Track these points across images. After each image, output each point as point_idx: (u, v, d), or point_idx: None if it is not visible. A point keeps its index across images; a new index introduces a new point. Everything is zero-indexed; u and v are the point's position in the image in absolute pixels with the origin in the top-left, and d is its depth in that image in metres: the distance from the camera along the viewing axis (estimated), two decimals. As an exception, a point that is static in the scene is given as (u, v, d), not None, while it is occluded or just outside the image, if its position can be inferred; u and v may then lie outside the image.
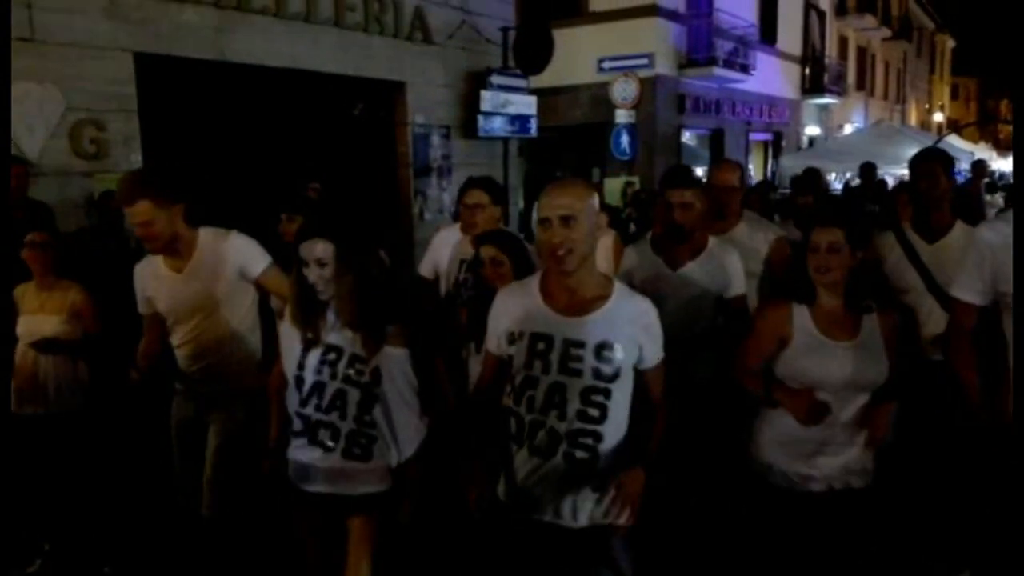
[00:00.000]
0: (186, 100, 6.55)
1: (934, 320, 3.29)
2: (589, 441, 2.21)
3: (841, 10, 24.77)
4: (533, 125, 10.14)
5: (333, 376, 2.38)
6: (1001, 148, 24.29)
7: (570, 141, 14.85)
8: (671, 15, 14.76)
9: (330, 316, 2.41)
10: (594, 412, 2.20)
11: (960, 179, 13.42)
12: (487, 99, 9.20)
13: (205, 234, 3.02)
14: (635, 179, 12.37)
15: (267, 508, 2.95)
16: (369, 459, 2.43)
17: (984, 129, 44.90)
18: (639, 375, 2.29)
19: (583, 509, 2.27)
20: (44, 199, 5.15)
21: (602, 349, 2.18)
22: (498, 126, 9.47)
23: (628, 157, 13.21)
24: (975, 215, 7.28)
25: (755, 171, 20.20)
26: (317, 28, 7.56)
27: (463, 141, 9.28)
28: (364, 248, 2.42)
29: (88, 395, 3.68)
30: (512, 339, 2.28)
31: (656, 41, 14.46)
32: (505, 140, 9.78)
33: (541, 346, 2.22)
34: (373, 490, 2.45)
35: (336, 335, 2.39)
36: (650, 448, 2.31)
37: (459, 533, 2.81)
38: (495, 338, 2.36)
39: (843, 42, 25.69)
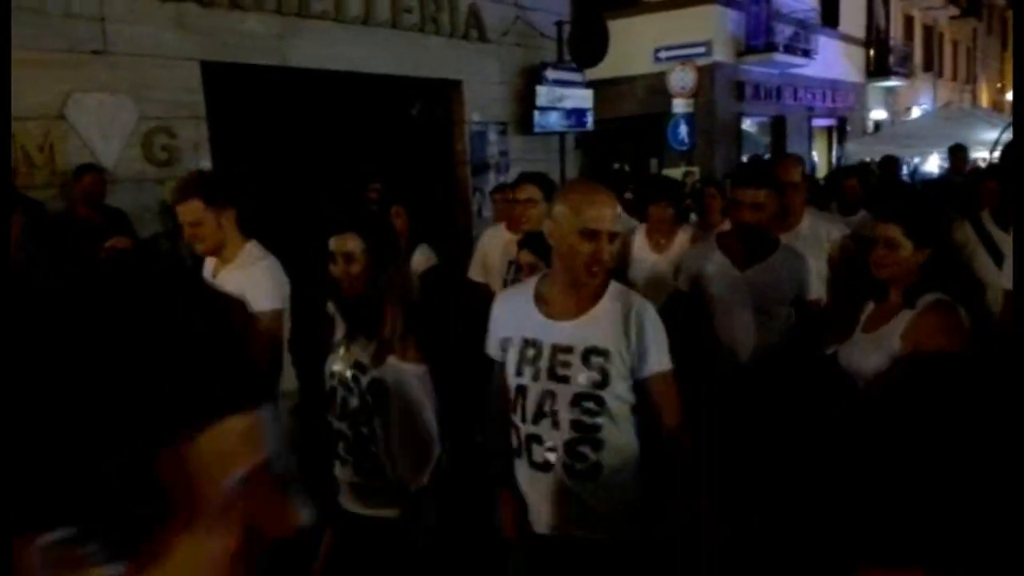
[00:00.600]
0: (251, 106, 6.73)
1: None
2: (587, 450, 2.09)
3: (907, -12, 23.99)
4: (589, 119, 10.09)
5: (341, 381, 2.32)
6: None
7: (627, 132, 14.73)
8: (728, 1, 14.50)
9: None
10: (588, 420, 2.08)
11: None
12: (542, 94, 9.19)
13: (251, 247, 3.01)
14: (695, 169, 12.20)
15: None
16: (379, 477, 2.28)
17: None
18: (642, 385, 2.11)
19: (587, 522, 2.13)
20: (120, 206, 5.36)
21: (590, 354, 2.07)
22: (554, 121, 9.45)
23: (686, 147, 13.02)
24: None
25: (819, 158, 19.71)
26: (375, 31, 7.67)
27: (519, 137, 9.30)
28: (393, 253, 2.35)
29: None
30: (505, 345, 2.21)
31: (713, 28, 14.23)
32: (562, 135, 9.76)
33: (531, 352, 2.14)
34: (383, 514, 2.30)
35: (357, 342, 2.31)
36: (676, 480, 2.13)
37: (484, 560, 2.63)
38: (494, 344, 2.28)
39: (908, 22, 24.83)
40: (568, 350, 2.08)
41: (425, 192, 8.28)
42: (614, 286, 2.18)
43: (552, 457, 2.11)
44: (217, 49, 6.34)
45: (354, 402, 2.28)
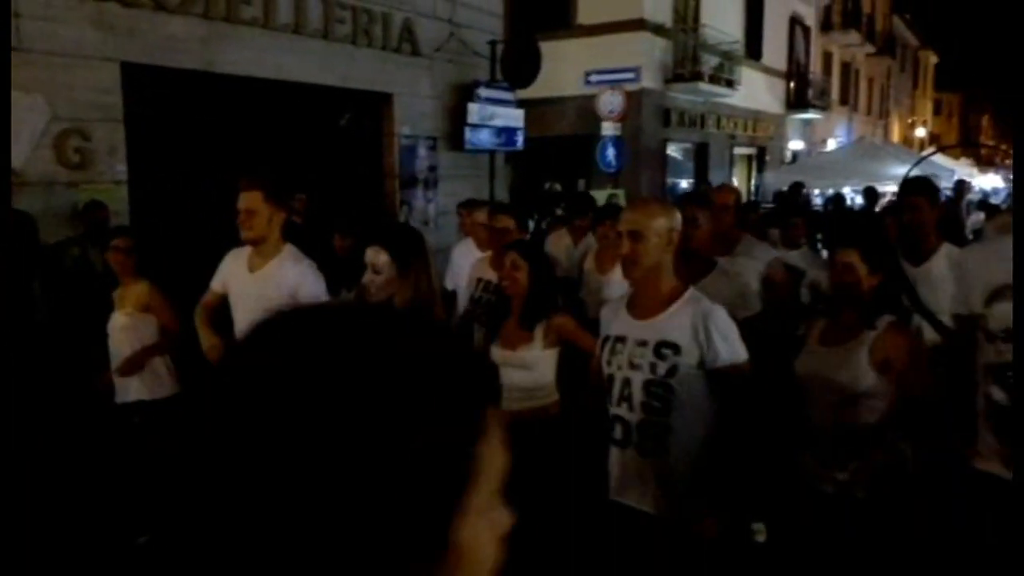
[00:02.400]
0: (174, 110, 6.55)
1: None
2: (657, 432, 2.42)
3: (826, 26, 25.04)
4: (520, 138, 10.20)
5: None
6: (982, 165, 24.59)
7: (557, 152, 14.91)
8: (657, 29, 14.88)
9: None
10: (657, 404, 2.41)
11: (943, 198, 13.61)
12: (474, 111, 9.25)
13: (288, 249, 3.36)
14: (620, 191, 12.44)
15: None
16: None
17: (967, 146, 45.45)
18: (716, 374, 2.41)
19: (651, 497, 2.45)
20: (28, 209, 5.13)
21: (661, 347, 2.42)
22: (485, 138, 9.52)
23: (614, 169, 13.26)
24: (957, 235, 7.43)
25: (739, 185, 20.35)
26: (305, 40, 7.58)
27: (449, 153, 9.32)
28: (420, 264, 2.69)
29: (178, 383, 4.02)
30: (603, 344, 2.62)
31: (642, 55, 14.57)
32: (492, 152, 9.82)
33: (618, 347, 2.53)
34: None
35: None
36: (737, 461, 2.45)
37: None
38: (599, 345, 2.67)
39: (827, 57, 25.96)
40: (643, 343, 2.46)
41: (352, 204, 8.21)
42: (691, 292, 2.53)
43: (628, 436, 2.47)
44: (139, 51, 6.16)
45: None
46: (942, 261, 3.59)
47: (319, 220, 6.41)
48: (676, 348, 2.39)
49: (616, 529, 2.57)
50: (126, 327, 3.94)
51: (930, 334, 3.38)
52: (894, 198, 12.18)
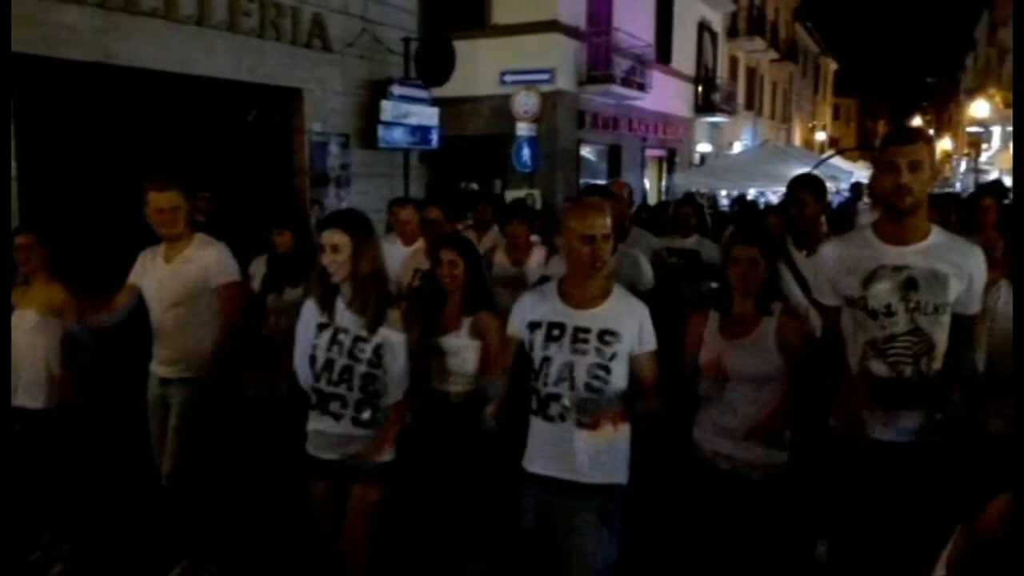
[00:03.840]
0: (69, 103, 6.25)
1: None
2: (592, 407, 2.66)
3: (732, 32, 25.89)
4: (435, 136, 10.17)
5: (340, 353, 2.87)
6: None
7: (473, 152, 14.92)
8: (572, 32, 15.07)
9: (340, 302, 2.89)
10: (598, 384, 2.69)
11: (841, 198, 14.33)
12: (388, 109, 9.16)
13: (199, 238, 3.56)
14: (536, 191, 12.55)
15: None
16: (373, 427, 2.90)
17: (864, 149, 47.79)
18: (633, 360, 2.77)
19: (584, 467, 2.71)
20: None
21: (604, 335, 2.71)
22: (399, 136, 9.44)
23: (529, 169, 13.37)
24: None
25: (651, 186, 20.83)
26: (210, 32, 7.36)
27: (363, 151, 9.21)
28: (372, 243, 2.89)
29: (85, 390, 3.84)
30: (533, 327, 2.79)
31: (557, 57, 14.73)
32: (406, 150, 9.76)
33: (555, 332, 2.75)
34: (376, 458, 2.89)
35: (345, 318, 2.89)
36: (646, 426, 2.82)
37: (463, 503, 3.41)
38: (518, 326, 2.86)
39: (734, 63, 26.86)
40: (586, 331, 2.72)
41: (260, 202, 8.01)
42: (618, 288, 2.86)
43: (566, 413, 2.70)
44: (31, 41, 5.84)
45: (361, 368, 2.88)
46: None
47: (224, 218, 6.23)
48: (617, 336, 2.72)
49: (537, 496, 2.81)
50: (33, 329, 3.65)
51: (817, 319, 3.58)
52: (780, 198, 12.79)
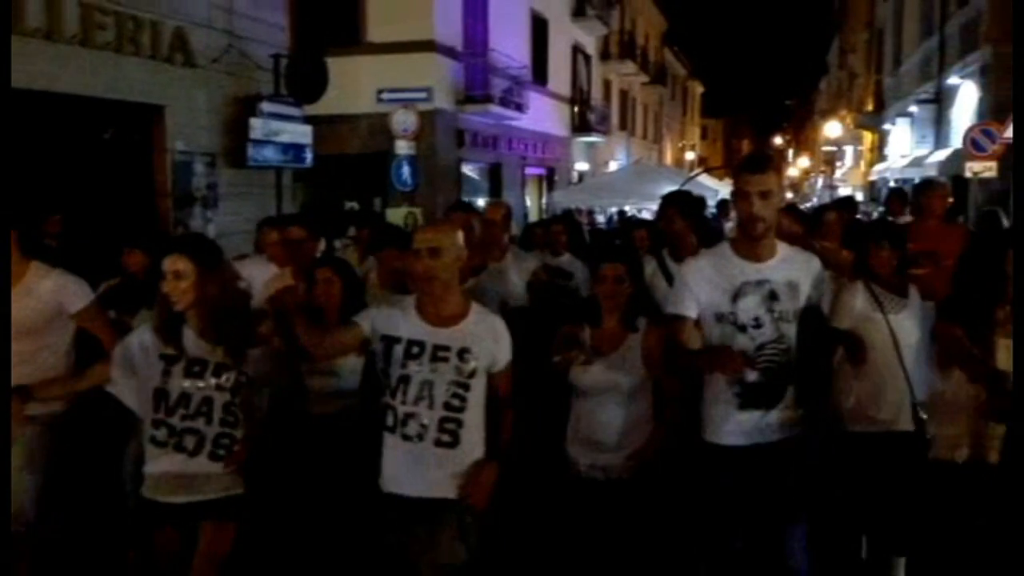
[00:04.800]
0: None
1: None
2: (452, 427, 2.68)
3: (605, 55, 26.76)
4: (308, 155, 9.93)
5: (199, 385, 2.72)
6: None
7: (351, 170, 14.68)
8: (448, 52, 15.13)
9: (188, 331, 2.73)
10: (456, 402, 2.68)
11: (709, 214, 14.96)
12: (257, 127, 8.88)
13: (35, 267, 3.24)
14: (417, 210, 12.46)
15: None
16: (218, 461, 2.75)
17: (731, 168, 50.30)
18: (491, 377, 2.79)
19: (443, 484, 2.69)
20: None
21: (463, 352, 2.70)
22: (270, 155, 9.16)
23: (409, 188, 13.28)
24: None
25: (531, 203, 21.14)
26: (61, 47, 6.91)
27: (231, 170, 8.87)
28: (221, 266, 2.76)
29: None
30: (390, 342, 2.73)
31: (434, 76, 14.75)
32: (278, 169, 9.47)
33: (414, 350, 2.70)
34: (227, 494, 2.76)
35: (199, 347, 2.74)
36: (503, 439, 2.82)
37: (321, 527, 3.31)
38: (377, 341, 2.79)
39: (607, 85, 27.74)
40: (446, 348, 2.69)
41: (119, 225, 7.56)
42: (476, 307, 2.84)
43: (424, 431, 2.68)
44: None
45: (224, 398, 2.75)
46: None
47: (77, 242, 5.83)
48: (476, 354, 2.71)
49: (397, 515, 2.76)
50: None
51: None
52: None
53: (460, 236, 2.78)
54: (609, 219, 18.00)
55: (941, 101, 15.53)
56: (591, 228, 14.24)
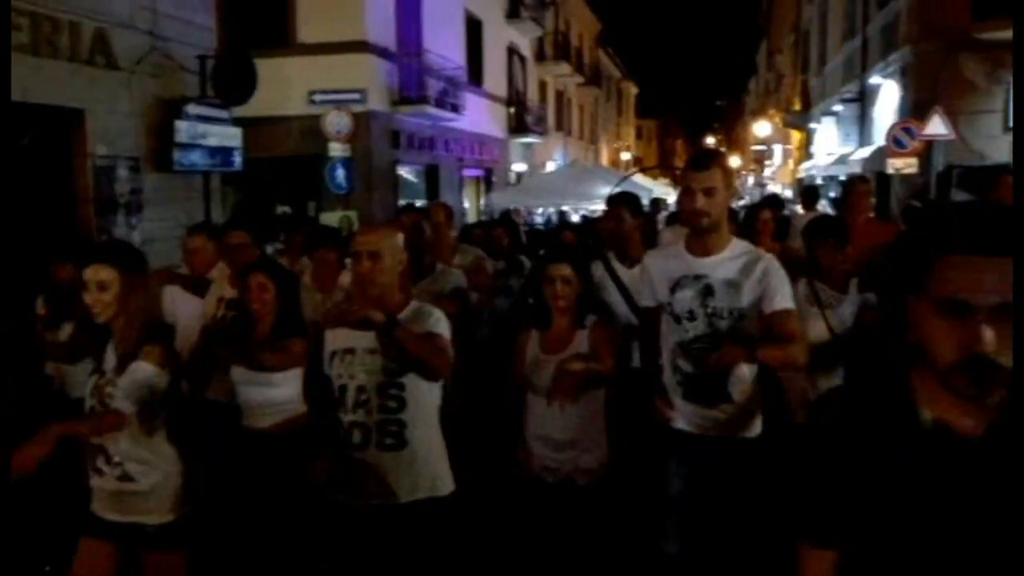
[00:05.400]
0: None
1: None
2: (395, 429, 2.64)
3: (540, 57, 26.89)
4: (238, 158, 9.68)
5: (107, 401, 2.59)
6: (677, 183, 27.74)
7: (284, 173, 14.44)
8: (382, 52, 14.98)
9: (109, 346, 2.64)
10: (393, 404, 2.63)
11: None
12: (183, 130, 8.61)
13: None
14: (352, 213, 12.30)
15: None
16: (140, 481, 2.62)
17: (664, 168, 51.11)
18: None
19: (403, 488, 2.65)
20: None
21: None
22: (197, 159, 8.89)
23: (344, 191, 13.11)
24: (652, 244, 8.35)
25: (470, 205, 21.09)
26: (-32, 46, 6.56)
27: (156, 175, 8.57)
28: (145, 277, 2.68)
29: None
30: (331, 357, 2.72)
31: (368, 77, 14.58)
32: (206, 173, 9.21)
33: (348, 358, 2.67)
34: (158, 521, 2.64)
35: (112, 360, 2.64)
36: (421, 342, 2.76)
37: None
38: (325, 360, 2.75)
39: (543, 86, 27.89)
40: (374, 351, 2.64)
41: (36, 233, 7.24)
42: (414, 303, 2.79)
43: (368, 437, 2.64)
44: None
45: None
46: None
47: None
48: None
49: (353, 525, 2.72)
50: None
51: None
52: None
53: (400, 239, 2.76)
54: (547, 220, 18.08)
55: (864, 100, 16.05)
56: (528, 229, 14.28)
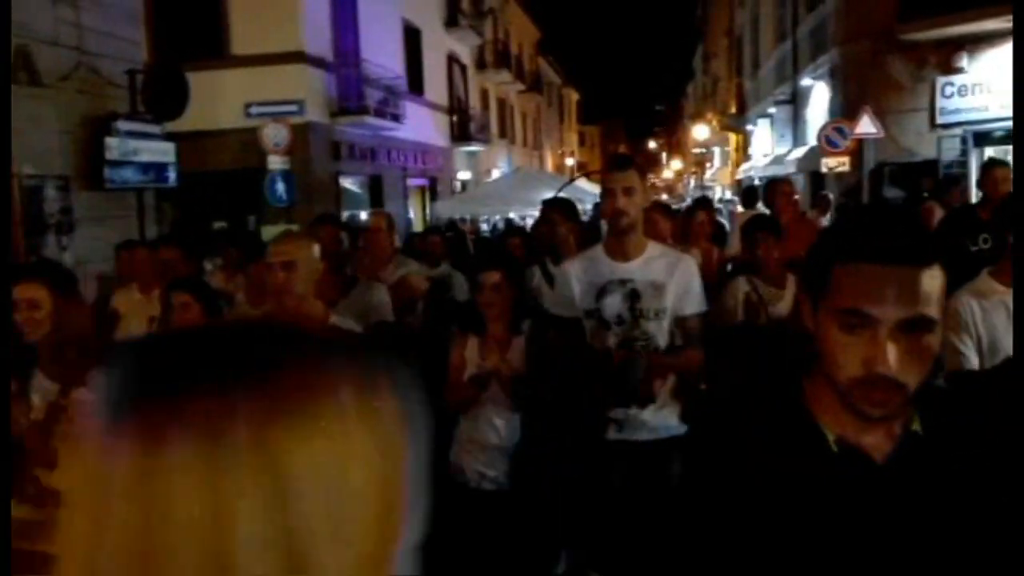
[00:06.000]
0: None
1: None
2: None
3: (480, 65, 26.94)
4: (172, 174, 9.45)
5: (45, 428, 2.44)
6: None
7: (222, 188, 14.13)
8: (319, 63, 14.81)
9: (38, 371, 2.52)
10: None
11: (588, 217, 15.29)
12: (113, 147, 8.36)
13: None
14: (294, 227, 12.09)
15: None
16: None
17: (607, 171, 51.82)
18: None
19: None
20: None
21: None
22: (129, 175, 8.65)
23: (285, 204, 12.90)
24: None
25: (415, 214, 20.97)
26: None
27: (87, 193, 8.31)
28: (78, 296, 2.59)
29: None
30: None
31: (306, 88, 14.40)
32: (139, 190, 8.97)
33: None
34: None
35: (43, 386, 2.50)
36: None
37: None
38: None
39: (484, 94, 27.93)
40: None
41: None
42: (334, 318, 2.72)
43: None
44: None
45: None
46: None
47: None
48: None
49: None
50: None
51: None
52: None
53: (316, 249, 2.73)
54: (493, 227, 18.10)
55: (797, 101, 16.48)
56: (475, 237, 14.26)
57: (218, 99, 13.18)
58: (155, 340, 0.58)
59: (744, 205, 9.42)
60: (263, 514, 0.46)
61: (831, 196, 10.20)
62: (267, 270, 2.63)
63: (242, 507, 0.46)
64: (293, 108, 14.03)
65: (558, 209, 4.43)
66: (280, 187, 12.81)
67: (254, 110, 13.96)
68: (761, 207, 6.86)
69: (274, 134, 12.78)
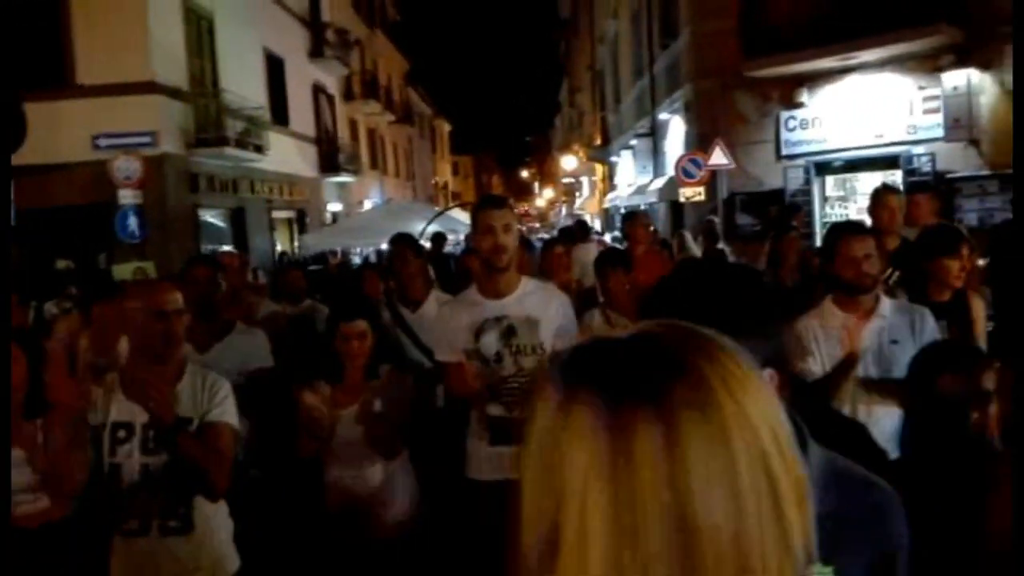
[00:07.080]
0: None
1: None
2: (181, 510, 2.45)
3: (348, 95, 26.67)
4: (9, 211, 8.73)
5: None
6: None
7: (67, 224, 13.23)
8: (173, 93, 14.19)
9: None
10: (178, 482, 2.43)
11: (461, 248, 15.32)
12: (-64, 182, 7.65)
13: None
14: (149, 264, 11.46)
15: None
16: None
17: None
18: (205, 428, 2.50)
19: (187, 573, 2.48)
20: None
21: (182, 423, 2.39)
22: (-44, 214, 7.93)
23: (137, 240, 12.26)
24: (466, 282, 8.39)
25: (283, 247, 20.36)
26: None
27: (-97, 233, 7.55)
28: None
29: None
30: (95, 431, 2.45)
31: (159, 119, 13.76)
32: (-32, 230, 8.23)
33: (121, 433, 2.44)
34: None
35: None
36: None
37: None
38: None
39: (353, 125, 27.63)
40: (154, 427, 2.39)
41: None
42: (191, 366, 2.60)
43: (149, 522, 2.43)
44: None
45: None
46: (432, 306, 4.03)
47: None
48: (189, 421, 2.44)
49: None
50: None
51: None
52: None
53: (178, 297, 2.59)
54: (365, 259, 17.81)
55: (655, 134, 17.23)
56: (339, 271, 13.99)
57: (62, 130, 12.44)
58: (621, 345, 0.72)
59: (578, 239, 9.37)
60: (753, 468, 0.63)
61: (716, 221, 10.57)
62: (156, 318, 2.46)
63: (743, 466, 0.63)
64: (145, 139, 13.38)
65: (407, 245, 4.39)
66: (132, 222, 12.18)
67: (102, 142, 13.22)
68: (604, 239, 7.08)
69: (124, 167, 12.15)
